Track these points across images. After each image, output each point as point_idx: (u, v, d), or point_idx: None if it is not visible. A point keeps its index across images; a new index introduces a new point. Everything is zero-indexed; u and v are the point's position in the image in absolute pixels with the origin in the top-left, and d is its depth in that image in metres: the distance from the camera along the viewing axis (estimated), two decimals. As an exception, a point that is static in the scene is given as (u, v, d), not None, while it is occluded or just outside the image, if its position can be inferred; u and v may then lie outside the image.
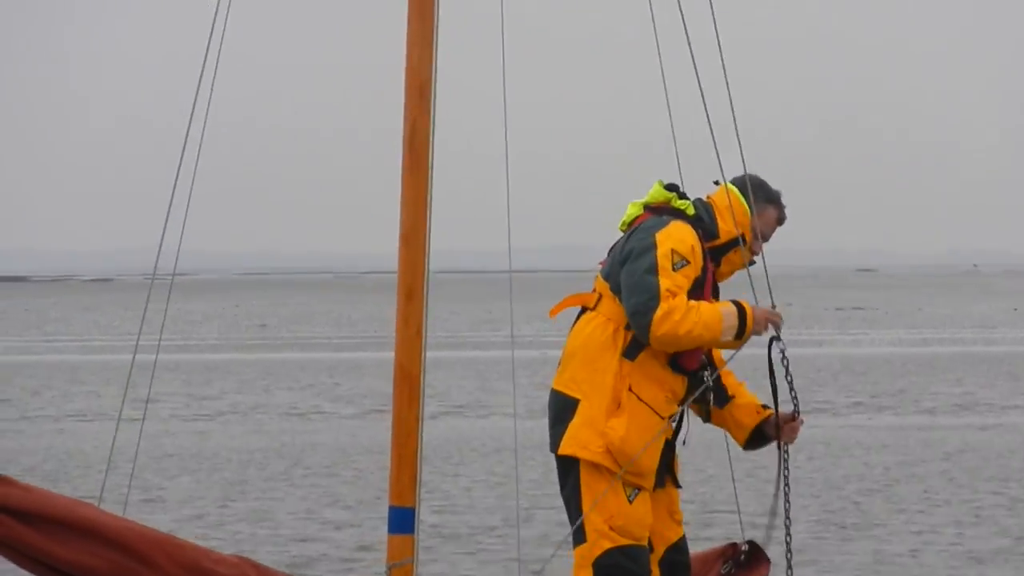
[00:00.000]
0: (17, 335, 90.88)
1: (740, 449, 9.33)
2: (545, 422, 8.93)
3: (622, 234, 9.01)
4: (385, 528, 8.20)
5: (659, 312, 8.30)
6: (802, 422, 9.28)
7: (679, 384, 8.68)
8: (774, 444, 9.30)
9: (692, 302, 8.40)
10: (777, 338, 8.96)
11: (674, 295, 8.32)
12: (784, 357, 8.94)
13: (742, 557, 9.43)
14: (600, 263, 9.09)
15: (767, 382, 9.07)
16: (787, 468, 9.06)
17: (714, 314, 8.45)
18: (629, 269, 8.54)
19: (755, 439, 9.29)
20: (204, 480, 27.63)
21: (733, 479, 9.56)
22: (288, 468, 29.71)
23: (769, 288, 8.86)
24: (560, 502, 9.09)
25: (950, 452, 31.53)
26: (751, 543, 9.53)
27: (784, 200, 9.38)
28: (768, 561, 9.59)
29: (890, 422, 38.81)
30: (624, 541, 8.45)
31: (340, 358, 63.13)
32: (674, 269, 8.42)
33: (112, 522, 7.05)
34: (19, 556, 6.82)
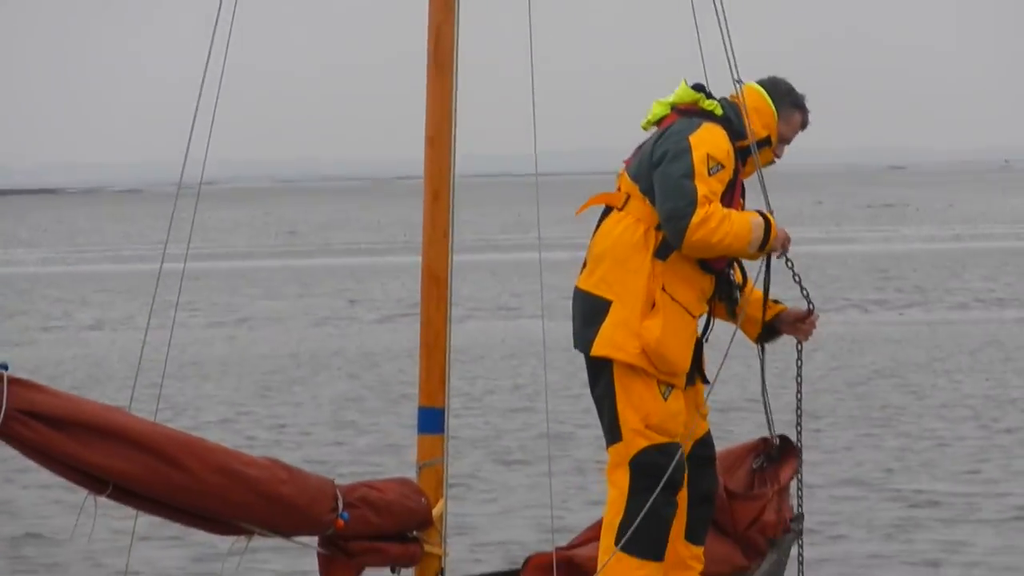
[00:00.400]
0: (49, 247, 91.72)
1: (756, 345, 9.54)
2: (570, 324, 9.07)
3: (646, 133, 8.99)
4: (408, 430, 8.33)
5: (696, 218, 8.34)
6: (817, 317, 9.34)
7: (708, 283, 8.75)
8: (794, 343, 9.52)
9: (726, 210, 8.50)
10: (785, 259, 9.08)
11: (710, 201, 8.37)
12: (788, 260, 9.05)
13: (773, 451, 9.60)
14: (625, 161, 9.07)
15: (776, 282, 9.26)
16: (801, 363, 9.26)
17: (744, 225, 8.52)
18: (664, 172, 8.54)
19: (768, 333, 9.38)
20: (229, 386, 28.05)
21: (763, 375, 9.63)
22: (313, 373, 30.16)
23: (765, 194, 8.97)
24: (586, 402, 9.20)
25: (977, 347, 31.82)
26: (783, 437, 9.66)
27: (808, 105, 9.40)
28: (799, 454, 9.75)
29: (919, 318, 39.06)
30: (660, 439, 8.56)
31: (369, 263, 63.58)
32: (710, 174, 8.44)
33: (142, 426, 7.11)
34: (50, 461, 6.87)
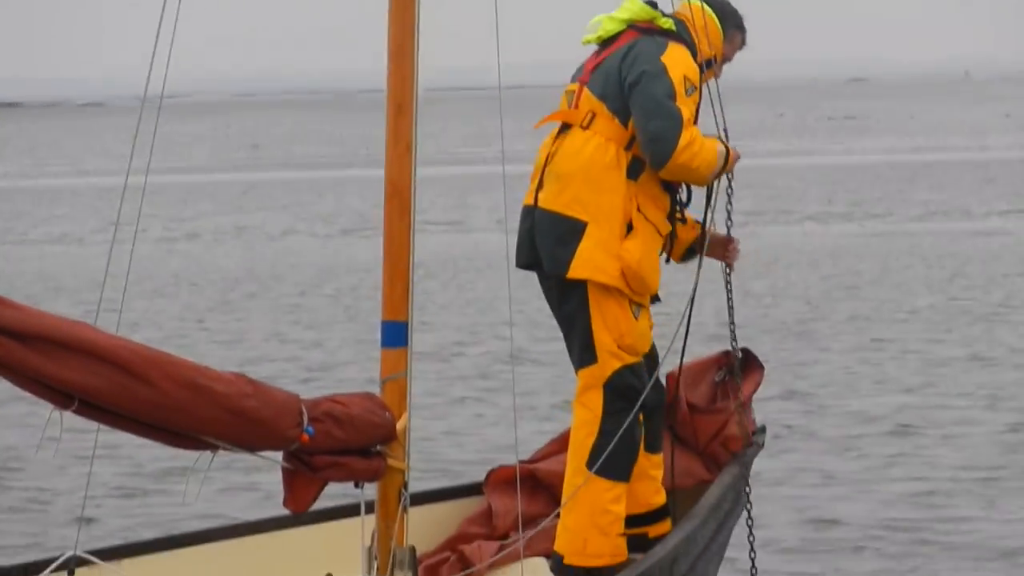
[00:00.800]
0: (10, 161, 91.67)
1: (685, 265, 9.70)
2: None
3: (593, 47, 8.94)
4: (367, 345, 8.35)
5: (683, 141, 8.37)
6: (738, 243, 9.45)
7: (667, 202, 8.79)
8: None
9: (701, 136, 8.62)
10: (728, 183, 9.24)
11: (691, 124, 8.50)
12: (731, 186, 9.15)
13: (736, 365, 9.60)
14: (580, 80, 8.91)
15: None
16: (730, 285, 9.36)
17: (713, 151, 8.58)
18: (646, 92, 8.48)
19: (687, 254, 9.40)
20: (184, 301, 28.20)
21: (729, 290, 9.75)
22: (270, 288, 30.38)
23: (722, 114, 9.04)
24: (539, 319, 9.25)
25: (932, 257, 32.33)
26: (745, 350, 9.73)
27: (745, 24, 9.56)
28: (762, 367, 9.88)
29: (876, 228, 39.58)
30: (632, 359, 8.61)
31: (331, 177, 63.67)
32: (687, 95, 8.51)
33: (108, 341, 6.92)
34: (15, 375, 6.59)
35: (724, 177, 8.93)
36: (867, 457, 15.98)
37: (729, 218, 9.11)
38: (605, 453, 8.50)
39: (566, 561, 8.66)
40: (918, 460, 16.27)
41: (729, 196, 9.02)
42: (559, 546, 8.67)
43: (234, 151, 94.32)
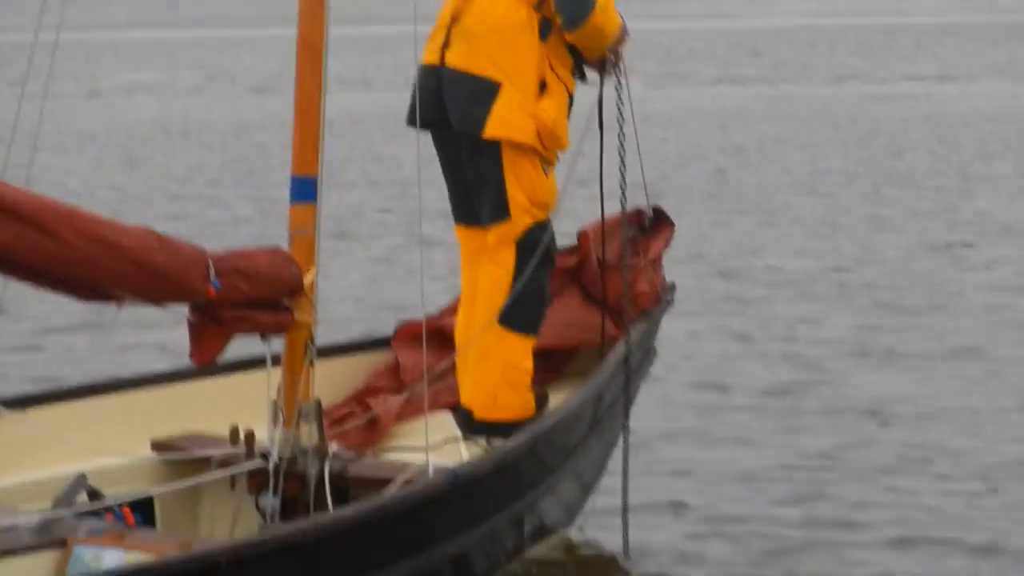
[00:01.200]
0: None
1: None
2: None
3: None
4: (272, 204, 8.42)
5: (608, 14, 8.54)
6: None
7: (571, 61, 8.84)
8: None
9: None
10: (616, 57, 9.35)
11: None
12: (620, 61, 9.01)
13: (647, 222, 9.73)
14: None
15: None
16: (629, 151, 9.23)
17: (618, 20, 8.67)
18: None
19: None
20: (99, 158, 28.23)
21: (639, 151, 9.88)
22: (183, 143, 30.44)
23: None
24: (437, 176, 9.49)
25: (845, 121, 32.99)
26: (656, 208, 9.83)
27: None
28: (673, 225, 9.94)
29: (790, 92, 40.15)
30: (542, 216, 8.71)
31: (246, 36, 63.30)
32: None
33: (14, 194, 6.94)
34: None
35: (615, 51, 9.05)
36: (767, 318, 16.35)
37: (619, 83, 9.01)
38: (521, 306, 8.64)
39: (476, 416, 8.73)
40: (813, 324, 16.66)
41: (621, 67, 8.96)
42: (467, 401, 8.75)
43: (150, 9, 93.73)
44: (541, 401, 8.91)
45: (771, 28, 64.65)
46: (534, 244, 8.52)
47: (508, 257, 8.56)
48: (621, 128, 9.03)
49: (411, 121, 8.70)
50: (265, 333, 7.87)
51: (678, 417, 12.71)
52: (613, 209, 9.75)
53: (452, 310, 9.35)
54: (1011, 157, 28.83)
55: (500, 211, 8.53)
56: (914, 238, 20.99)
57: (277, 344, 8.07)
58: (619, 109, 9.20)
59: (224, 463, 8.25)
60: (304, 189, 8.02)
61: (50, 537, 7.37)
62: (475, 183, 8.74)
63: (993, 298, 16.60)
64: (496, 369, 8.79)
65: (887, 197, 23.85)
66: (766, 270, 18.49)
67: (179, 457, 8.68)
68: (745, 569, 9.30)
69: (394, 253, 19.11)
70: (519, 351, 8.77)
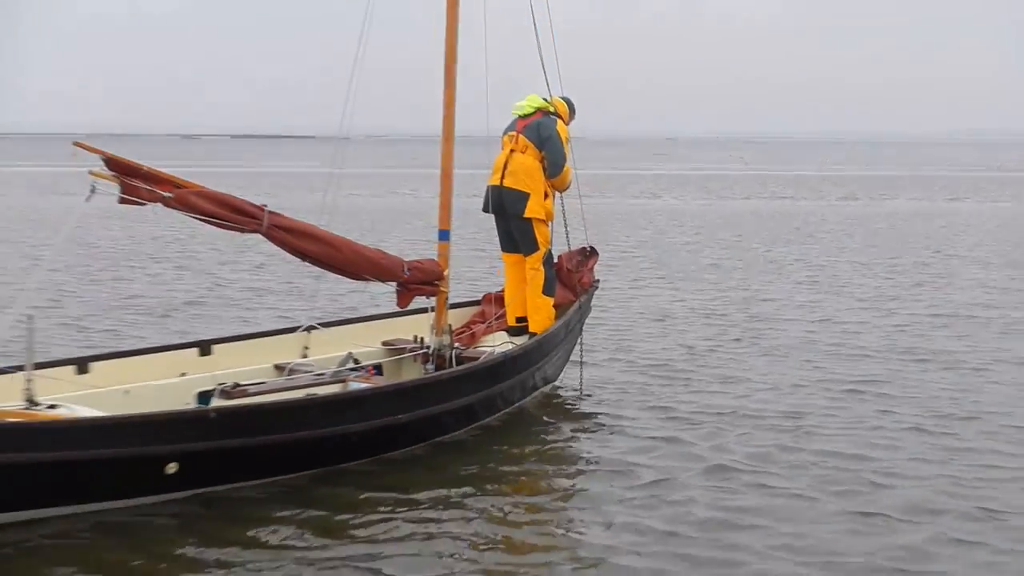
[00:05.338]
0: None
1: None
2: None
3: (519, 118, 11.93)
4: (434, 239, 11.34)
5: (566, 169, 11.72)
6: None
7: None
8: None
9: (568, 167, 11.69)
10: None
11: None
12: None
13: (588, 251, 12.86)
14: (515, 131, 11.88)
15: None
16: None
17: (570, 175, 11.90)
18: (553, 143, 11.69)
19: None
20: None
21: (584, 225, 12.78)
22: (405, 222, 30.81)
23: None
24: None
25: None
26: (591, 246, 12.93)
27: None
28: (598, 254, 13.13)
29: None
30: (547, 247, 11.90)
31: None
32: (567, 144, 11.76)
33: (325, 234, 9.99)
34: (283, 246, 9.99)
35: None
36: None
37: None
38: (547, 287, 11.89)
39: (530, 329, 11.79)
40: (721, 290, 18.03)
41: (564, 193, 12.19)
42: (535, 327, 11.75)
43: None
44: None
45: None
46: (548, 259, 11.89)
47: (539, 267, 11.85)
48: (564, 215, 12.42)
49: (484, 209, 11.87)
50: (428, 295, 11.07)
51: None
52: (572, 247, 12.78)
53: (502, 291, 12.52)
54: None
55: (533, 248, 11.82)
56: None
57: (432, 301, 11.16)
58: (563, 206, 12.29)
59: (412, 351, 11.48)
60: (444, 234, 11.38)
61: (339, 379, 10.32)
62: (518, 235, 11.81)
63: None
64: (543, 312, 11.84)
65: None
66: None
67: (393, 347, 11.59)
68: (657, 390, 11.95)
69: (481, 263, 21.39)
70: (548, 305, 11.87)
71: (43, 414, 8.48)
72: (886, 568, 7.45)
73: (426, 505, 8.67)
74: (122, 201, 9.28)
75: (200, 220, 9.60)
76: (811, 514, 8.42)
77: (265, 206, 9.90)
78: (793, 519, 8.31)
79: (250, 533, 8.02)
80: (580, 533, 8.15)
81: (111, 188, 9.18)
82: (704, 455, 9.89)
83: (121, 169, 9.24)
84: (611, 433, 10.67)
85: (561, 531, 8.24)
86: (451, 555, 7.65)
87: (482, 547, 7.88)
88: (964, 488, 8.94)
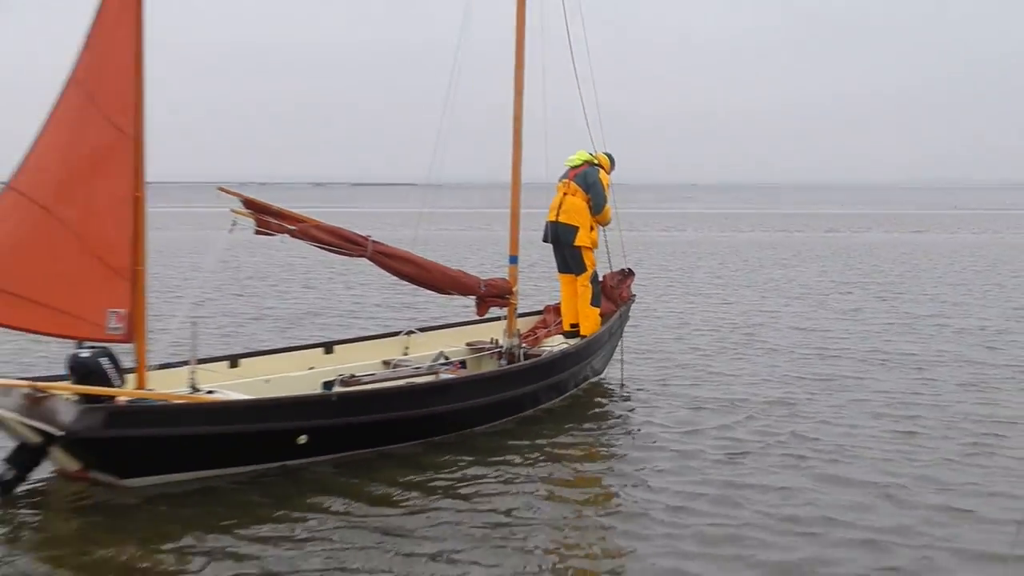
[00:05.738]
0: None
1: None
2: None
3: (570, 168, 11.86)
4: (502, 265, 11.05)
5: (607, 208, 11.55)
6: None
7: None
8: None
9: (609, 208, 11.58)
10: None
11: (607, 201, 11.54)
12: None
13: (626, 271, 12.83)
14: (567, 178, 11.76)
15: None
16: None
17: (609, 217, 11.69)
18: (596, 190, 11.58)
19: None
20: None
21: (623, 248, 12.93)
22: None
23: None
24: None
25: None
26: (629, 268, 12.80)
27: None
28: (634, 274, 12.96)
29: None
30: (594, 268, 11.71)
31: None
32: (608, 190, 11.68)
33: (414, 255, 10.23)
34: (383, 267, 10.10)
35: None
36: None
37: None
38: (594, 300, 11.75)
39: (581, 332, 11.60)
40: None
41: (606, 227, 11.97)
42: (584, 331, 11.58)
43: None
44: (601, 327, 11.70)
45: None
46: (595, 278, 11.79)
47: (587, 284, 11.75)
48: (607, 243, 12.21)
49: (544, 239, 11.85)
50: (500, 306, 11.23)
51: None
52: (614, 269, 12.65)
53: (559, 304, 12.34)
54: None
55: (582, 269, 11.74)
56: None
57: (504, 311, 11.11)
58: (606, 237, 12.14)
59: (489, 350, 11.58)
60: (513, 259, 11.32)
61: (432, 371, 10.46)
62: (570, 260, 11.74)
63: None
64: (591, 319, 11.65)
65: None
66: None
67: (475, 347, 11.64)
68: (690, 391, 11.50)
69: (542, 282, 20.86)
70: (595, 314, 11.75)
71: (203, 398, 8.66)
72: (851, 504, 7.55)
73: (506, 463, 8.78)
74: (257, 233, 9.43)
75: (318, 248, 9.69)
76: (796, 475, 8.56)
77: (370, 236, 9.96)
78: (784, 476, 8.46)
79: (378, 491, 8.04)
80: (620, 489, 8.24)
81: (248, 223, 9.36)
82: (715, 430, 10.02)
83: (256, 208, 9.42)
84: (646, 415, 10.67)
85: (604, 488, 8.32)
86: (514, 509, 7.66)
87: (545, 499, 7.96)
88: (912, 459, 9.00)
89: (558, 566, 6.67)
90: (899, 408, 10.77)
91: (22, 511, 7.56)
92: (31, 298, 7.64)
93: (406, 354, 11.17)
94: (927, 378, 12.37)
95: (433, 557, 6.72)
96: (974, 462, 8.81)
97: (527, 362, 10.71)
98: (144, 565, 6.63)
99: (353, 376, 10.03)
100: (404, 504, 7.70)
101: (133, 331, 8.08)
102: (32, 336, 9.32)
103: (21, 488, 7.88)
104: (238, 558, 6.73)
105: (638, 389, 11.85)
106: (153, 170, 8.08)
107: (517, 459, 8.97)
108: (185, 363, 9.12)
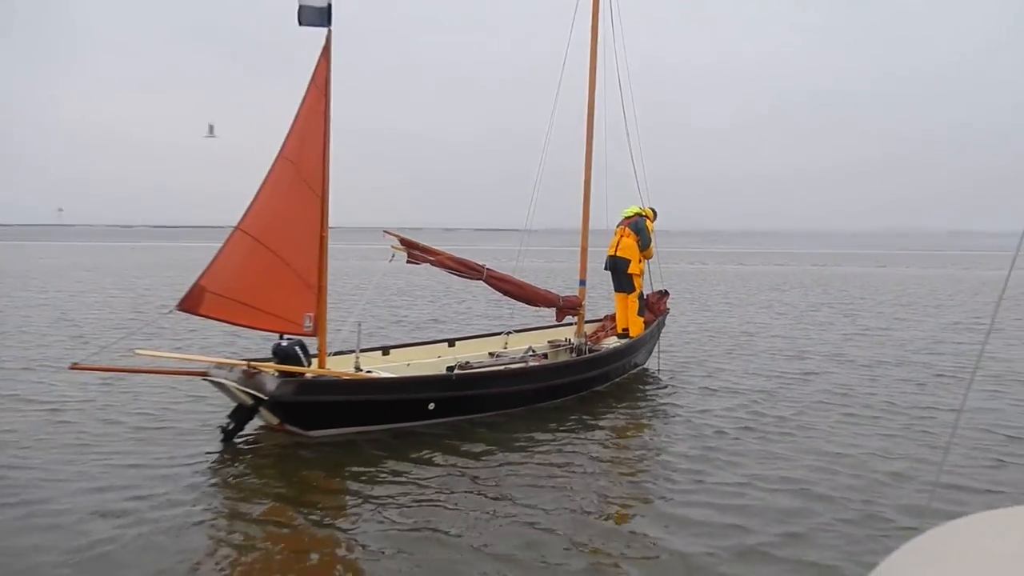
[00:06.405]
0: None
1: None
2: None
3: (625, 217, 11.38)
4: (573, 287, 10.69)
5: (651, 247, 11.12)
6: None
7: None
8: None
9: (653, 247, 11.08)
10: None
11: (652, 242, 11.07)
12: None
13: (663, 292, 12.28)
14: (622, 225, 11.30)
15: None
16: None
17: (653, 253, 11.19)
18: (643, 234, 11.17)
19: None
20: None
21: (662, 276, 12.62)
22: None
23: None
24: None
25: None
26: (664, 290, 12.29)
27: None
28: (668, 293, 12.36)
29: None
30: (640, 289, 11.21)
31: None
32: (652, 234, 11.30)
33: (511, 277, 9.88)
34: (499, 290, 9.94)
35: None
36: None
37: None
38: (640, 311, 11.33)
39: (630, 335, 11.13)
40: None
41: (649, 261, 11.39)
42: (631, 332, 11.13)
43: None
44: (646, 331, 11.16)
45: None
46: (641, 296, 11.34)
47: (635, 300, 11.29)
48: (650, 272, 11.64)
49: (605, 268, 11.35)
50: (573, 315, 10.87)
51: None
52: (655, 289, 12.21)
53: (614, 314, 11.91)
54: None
55: (632, 290, 11.27)
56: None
57: (574, 318, 10.82)
58: (649, 267, 11.57)
59: (564, 346, 11.20)
60: (582, 282, 11.13)
61: (524, 360, 10.14)
62: (623, 282, 11.28)
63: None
64: (637, 325, 11.23)
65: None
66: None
67: (554, 344, 11.26)
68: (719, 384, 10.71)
69: (603, 299, 20.15)
70: (640, 322, 11.30)
71: (365, 375, 8.58)
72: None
73: (570, 425, 8.56)
74: (408, 262, 9.35)
75: (449, 273, 9.54)
76: (778, 444, 8.24)
77: (485, 265, 9.83)
78: (771, 446, 8.15)
79: (473, 448, 7.80)
80: (649, 447, 7.99)
81: (402, 256, 9.29)
82: (721, 410, 9.64)
83: (408, 245, 9.38)
84: (675, 395, 10.31)
85: (639, 448, 8.05)
86: (566, 465, 7.43)
87: (595, 454, 7.73)
88: (861, 434, 8.65)
89: (597, 503, 6.48)
90: (854, 397, 10.29)
91: (241, 452, 7.63)
92: (254, 305, 7.68)
93: (505, 348, 10.95)
94: (875, 375, 11.78)
95: (502, 496, 6.55)
96: (908, 436, 8.43)
97: (590, 355, 10.43)
98: (317, 484, 6.71)
99: (468, 363, 9.89)
100: (487, 458, 7.44)
101: (317, 328, 8.05)
102: (249, 330, 9.26)
103: (240, 436, 7.93)
104: (373, 482, 6.77)
105: (671, 376, 11.40)
106: (333, 218, 8.10)
107: (578, 423, 8.75)
108: (352, 351, 9.08)
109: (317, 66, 7.64)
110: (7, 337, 13.65)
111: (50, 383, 10.04)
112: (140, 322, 15.50)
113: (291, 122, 7.74)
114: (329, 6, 7.56)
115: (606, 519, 6.05)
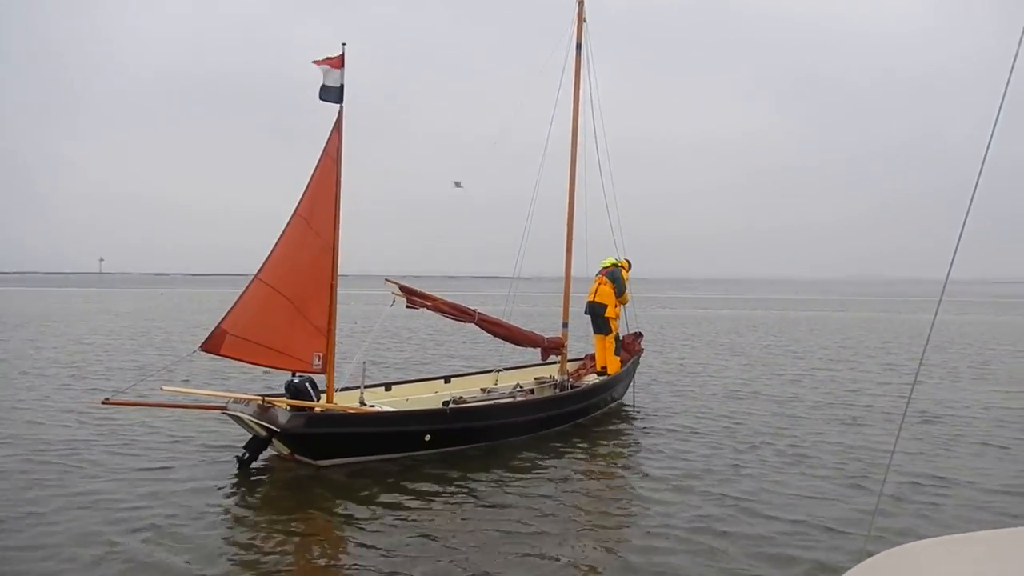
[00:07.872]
0: None
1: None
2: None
3: (603, 267, 11.26)
4: (556, 328, 10.49)
5: (626, 294, 11.07)
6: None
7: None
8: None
9: (628, 294, 11.02)
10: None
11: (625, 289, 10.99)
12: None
13: (637, 335, 12.34)
14: (600, 275, 11.13)
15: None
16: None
17: (628, 299, 11.14)
18: (619, 282, 11.05)
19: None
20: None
21: (636, 318, 12.32)
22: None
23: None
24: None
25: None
26: (638, 332, 12.17)
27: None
28: (642, 335, 12.27)
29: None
30: (616, 331, 11.14)
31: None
32: (627, 282, 11.23)
33: (498, 319, 9.84)
34: (489, 332, 9.85)
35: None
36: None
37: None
38: (616, 351, 11.25)
39: (607, 372, 10.98)
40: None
41: (624, 306, 11.26)
42: (609, 370, 10.97)
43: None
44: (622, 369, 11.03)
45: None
46: (617, 337, 11.23)
47: (612, 341, 11.18)
48: (626, 316, 11.62)
49: (585, 312, 11.18)
50: (556, 355, 10.76)
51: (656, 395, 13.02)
52: (630, 331, 12.12)
53: (593, 354, 11.75)
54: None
55: (608, 332, 11.14)
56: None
57: (557, 357, 10.61)
58: (625, 312, 11.54)
59: (548, 382, 11.02)
60: (565, 324, 11.04)
61: (512, 395, 10.06)
62: (601, 325, 11.14)
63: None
64: (614, 364, 11.15)
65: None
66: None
67: (540, 381, 11.04)
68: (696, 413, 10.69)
69: (582, 340, 18.44)
70: (617, 361, 11.27)
71: (368, 409, 8.51)
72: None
73: (556, 451, 8.51)
74: (407, 307, 9.32)
75: (444, 316, 9.51)
76: (733, 452, 8.52)
77: (476, 309, 9.82)
78: (732, 455, 8.25)
79: (461, 474, 7.69)
80: (632, 480, 7.90)
81: (401, 301, 9.25)
82: (688, 432, 9.67)
83: (407, 291, 9.37)
84: (650, 426, 10.25)
85: (621, 468, 8.04)
86: (550, 495, 7.32)
87: (580, 473, 7.74)
88: (801, 438, 8.87)
89: (585, 517, 6.51)
90: (790, 413, 10.44)
91: (255, 478, 7.61)
92: (270, 346, 7.69)
93: (496, 384, 10.89)
94: (809, 402, 11.86)
95: (501, 512, 6.59)
96: (834, 439, 8.79)
97: (573, 391, 10.39)
98: (325, 506, 6.73)
99: (461, 398, 9.82)
100: (478, 483, 7.43)
101: (326, 366, 8.05)
102: (265, 368, 9.45)
103: (255, 464, 7.88)
104: (377, 506, 6.76)
105: (645, 410, 11.37)
106: (342, 267, 8.16)
107: (565, 450, 8.75)
108: (357, 387, 9.08)
109: (329, 138, 7.81)
110: (60, 371, 13.93)
111: (90, 416, 10.22)
112: (170, 359, 15.61)
113: (305, 184, 7.88)
114: (341, 86, 7.78)
115: (589, 530, 6.20)
